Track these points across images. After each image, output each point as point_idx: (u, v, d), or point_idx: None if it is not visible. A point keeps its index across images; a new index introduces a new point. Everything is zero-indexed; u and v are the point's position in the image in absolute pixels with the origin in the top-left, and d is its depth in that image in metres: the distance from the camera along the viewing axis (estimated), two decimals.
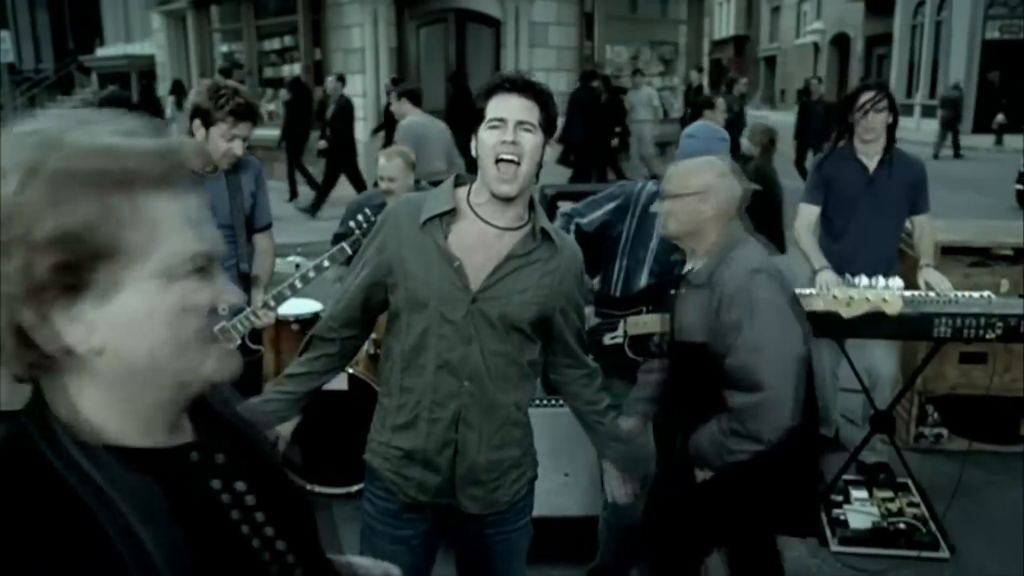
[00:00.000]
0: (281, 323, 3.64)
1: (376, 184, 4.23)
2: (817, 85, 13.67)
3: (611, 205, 2.99)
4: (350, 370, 3.51)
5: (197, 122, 2.96)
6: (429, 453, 1.94)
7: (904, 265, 3.92)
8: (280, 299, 3.00)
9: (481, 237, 1.91)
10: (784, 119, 18.04)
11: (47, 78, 20.79)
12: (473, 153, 1.92)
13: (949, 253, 4.12)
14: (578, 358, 2.10)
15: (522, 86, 1.87)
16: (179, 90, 13.54)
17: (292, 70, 14.04)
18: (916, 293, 3.45)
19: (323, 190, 10.71)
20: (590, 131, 11.06)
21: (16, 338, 0.78)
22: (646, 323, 2.81)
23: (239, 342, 2.95)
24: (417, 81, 12.21)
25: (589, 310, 2.81)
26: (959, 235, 4.27)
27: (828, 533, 3.53)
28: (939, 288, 3.53)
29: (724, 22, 42.12)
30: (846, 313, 2.97)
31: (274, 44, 14.84)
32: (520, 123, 1.84)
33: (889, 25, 26.03)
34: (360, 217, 2.94)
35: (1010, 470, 4.01)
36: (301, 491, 1.06)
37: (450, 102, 10.76)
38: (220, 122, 2.93)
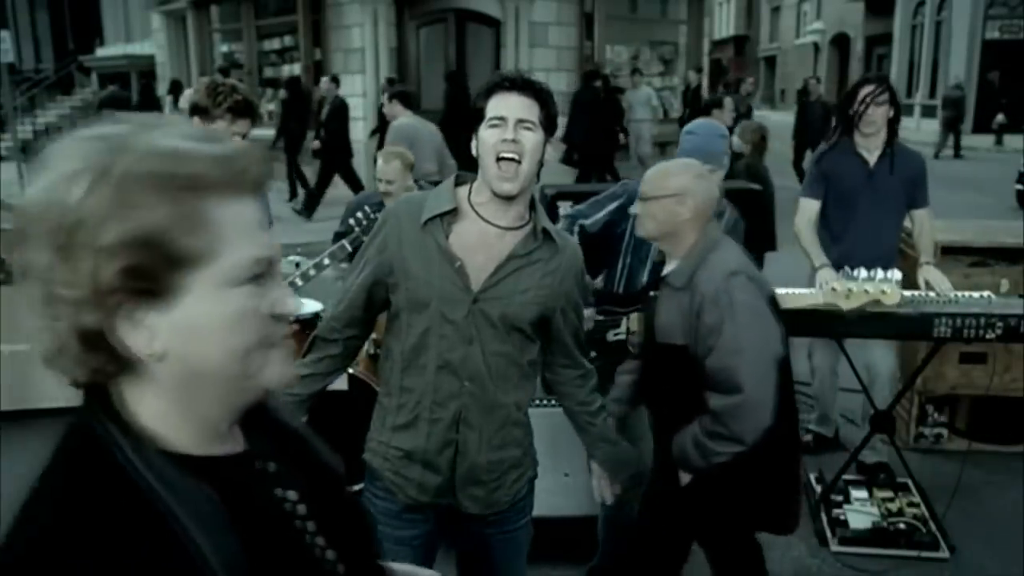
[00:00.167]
0: None
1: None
2: (815, 85, 13.66)
3: (614, 205, 3.00)
4: (350, 370, 3.51)
5: (196, 120, 2.97)
6: (429, 453, 1.94)
7: (904, 264, 3.91)
8: None
9: (482, 237, 1.90)
10: (784, 119, 18.06)
11: (47, 78, 20.75)
12: (474, 152, 1.91)
13: (949, 253, 4.11)
14: (575, 359, 2.10)
15: (522, 84, 1.87)
16: (177, 90, 13.52)
17: (292, 70, 14.05)
18: (916, 293, 3.45)
19: (316, 191, 10.73)
20: (593, 131, 11.06)
21: (81, 343, 0.77)
22: None
23: None
24: (417, 81, 12.24)
25: (589, 311, 2.82)
26: (959, 235, 4.26)
27: (828, 533, 3.53)
28: (939, 287, 3.53)
29: (724, 22, 42.12)
30: (845, 305, 2.97)
31: (274, 44, 14.84)
32: (520, 121, 1.84)
33: (889, 25, 26.03)
34: (360, 215, 2.94)
35: (1010, 470, 4.00)
36: (357, 501, 1.05)
37: (447, 101, 10.76)
38: (219, 119, 2.94)
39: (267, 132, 11.05)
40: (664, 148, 12.62)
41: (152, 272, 0.76)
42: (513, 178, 1.84)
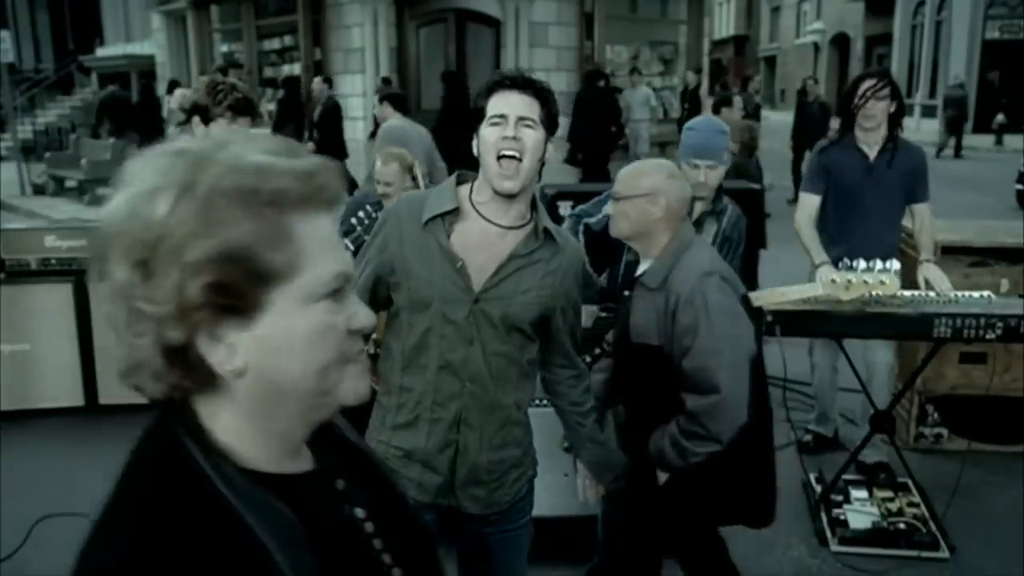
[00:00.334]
0: None
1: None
2: (813, 86, 13.64)
3: None
4: None
5: (196, 118, 2.98)
6: (429, 453, 1.94)
7: (904, 264, 3.91)
8: None
9: (484, 236, 1.90)
10: (784, 119, 18.04)
11: (47, 78, 20.75)
12: (475, 151, 1.91)
13: (949, 253, 4.11)
14: (571, 358, 2.10)
15: (522, 83, 1.87)
16: (174, 90, 13.53)
17: (292, 70, 14.03)
18: (916, 293, 3.45)
19: None
20: (595, 131, 11.06)
21: (164, 359, 0.77)
22: None
23: None
24: (417, 81, 12.22)
25: (593, 308, 2.82)
26: (959, 235, 4.26)
27: (828, 533, 3.52)
28: (939, 286, 3.53)
29: (724, 22, 42.08)
30: (845, 296, 2.98)
31: (274, 44, 14.82)
32: (521, 119, 1.84)
33: (889, 25, 26.03)
34: (361, 214, 2.94)
35: (1010, 470, 4.00)
36: (419, 518, 1.04)
37: (443, 102, 10.76)
38: (219, 118, 2.95)
39: (266, 132, 11.03)
40: (664, 148, 12.62)
41: (237, 288, 0.76)
42: (514, 176, 1.84)
